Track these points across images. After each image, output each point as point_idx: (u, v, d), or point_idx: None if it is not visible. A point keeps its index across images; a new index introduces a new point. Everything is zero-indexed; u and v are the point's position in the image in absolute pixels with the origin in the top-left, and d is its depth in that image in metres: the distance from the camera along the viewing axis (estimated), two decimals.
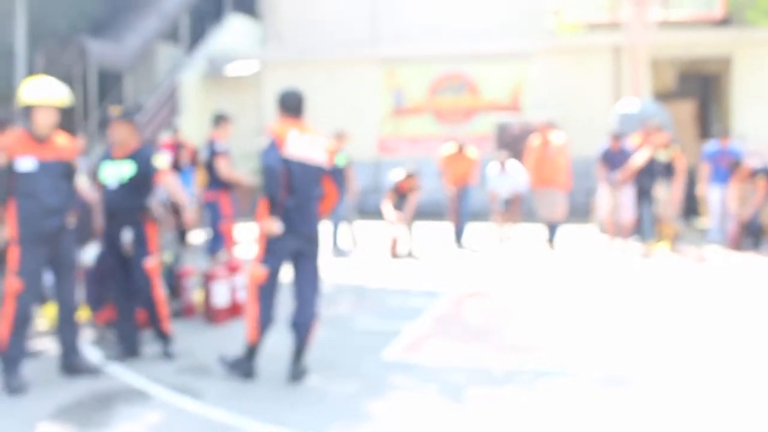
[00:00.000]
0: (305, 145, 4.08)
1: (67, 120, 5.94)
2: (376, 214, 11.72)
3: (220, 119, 7.28)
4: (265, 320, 4.06)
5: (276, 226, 3.88)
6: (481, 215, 11.31)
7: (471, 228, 9.99)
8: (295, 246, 4.01)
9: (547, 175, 9.37)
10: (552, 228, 9.43)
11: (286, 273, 4.11)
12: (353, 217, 9.68)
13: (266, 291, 4.02)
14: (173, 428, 3.42)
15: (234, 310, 5.76)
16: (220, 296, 5.67)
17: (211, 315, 5.68)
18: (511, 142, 13.47)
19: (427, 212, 12.61)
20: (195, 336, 5.28)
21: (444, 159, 9.73)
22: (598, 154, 9.39)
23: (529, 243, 9.85)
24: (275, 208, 3.85)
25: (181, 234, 9.48)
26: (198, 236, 9.38)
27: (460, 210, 9.65)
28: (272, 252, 3.98)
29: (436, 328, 5.40)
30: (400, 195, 9.27)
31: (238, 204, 7.69)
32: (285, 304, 4.76)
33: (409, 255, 9.02)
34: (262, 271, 3.99)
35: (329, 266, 8.27)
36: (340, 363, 4.50)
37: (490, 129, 14.04)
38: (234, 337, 5.06)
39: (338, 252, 9.27)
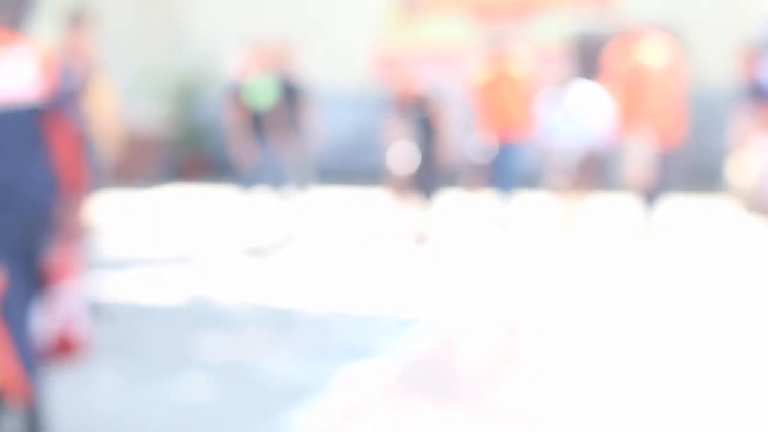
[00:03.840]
0: None
1: None
2: (365, 177, 12.22)
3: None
4: None
5: None
6: (529, 178, 11.13)
7: (518, 201, 10.18)
8: None
9: (642, 117, 9.28)
10: (650, 198, 9.39)
11: None
12: (308, 178, 10.11)
13: None
14: None
15: None
16: None
17: None
18: (597, 63, 12.92)
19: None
20: None
21: (479, 88, 9.86)
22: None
23: (613, 225, 10.25)
24: None
25: None
26: None
27: (500, 173, 9.85)
28: None
29: (397, 380, 5.53)
30: (417, 117, 9.39)
31: None
32: None
33: (421, 241, 9.53)
34: None
35: (253, 267, 8.58)
36: None
37: (562, 40, 14.06)
38: None
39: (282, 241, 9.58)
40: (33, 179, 3.98)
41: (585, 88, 10.16)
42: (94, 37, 7.25)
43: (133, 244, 9.67)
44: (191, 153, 14.27)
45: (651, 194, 9.37)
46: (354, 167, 13.62)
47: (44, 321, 5.28)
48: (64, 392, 5.14)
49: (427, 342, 6.30)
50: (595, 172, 10.12)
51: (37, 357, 4.19)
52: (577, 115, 9.94)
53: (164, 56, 14.32)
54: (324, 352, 6.07)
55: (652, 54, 9.32)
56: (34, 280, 4.16)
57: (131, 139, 13.50)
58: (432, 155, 9.49)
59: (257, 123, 9.23)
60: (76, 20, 7.19)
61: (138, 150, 13.36)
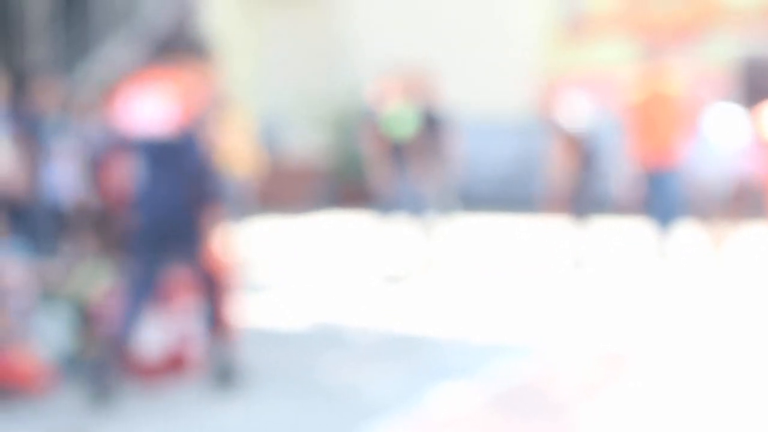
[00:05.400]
0: (147, 110, 4.34)
1: None
2: (524, 206, 12.31)
3: None
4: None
5: None
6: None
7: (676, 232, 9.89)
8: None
9: None
10: None
11: None
12: (451, 207, 10.15)
13: None
14: None
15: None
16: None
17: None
18: (762, 90, 12.75)
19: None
20: None
21: (632, 107, 9.68)
22: None
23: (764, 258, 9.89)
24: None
25: None
26: None
27: (658, 201, 9.63)
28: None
29: (488, 403, 5.73)
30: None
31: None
32: None
33: (577, 264, 9.70)
34: None
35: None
36: None
37: (727, 63, 13.72)
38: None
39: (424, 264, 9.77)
40: (164, 201, 4.62)
41: (743, 115, 9.92)
42: (221, 69, 7.46)
43: (275, 268, 9.99)
44: (349, 180, 14.47)
45: None
46: (512, 195, 13.54)
47: (159, 337, 5.79)
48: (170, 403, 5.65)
49: (530, 369, 6.44)
50: (747, 202, 9.86)
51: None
52: (732, 143, 9.77)
53: (323, 84, 14.49)
54: (430, 373, 6.31)
55: None
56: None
57: (289, 167, 14.06)
58: (587, 179, 9.69)
59: (397, 152, 9.29)
60: (204, 52, 7.63)
61: (296, 178, 13.84)
